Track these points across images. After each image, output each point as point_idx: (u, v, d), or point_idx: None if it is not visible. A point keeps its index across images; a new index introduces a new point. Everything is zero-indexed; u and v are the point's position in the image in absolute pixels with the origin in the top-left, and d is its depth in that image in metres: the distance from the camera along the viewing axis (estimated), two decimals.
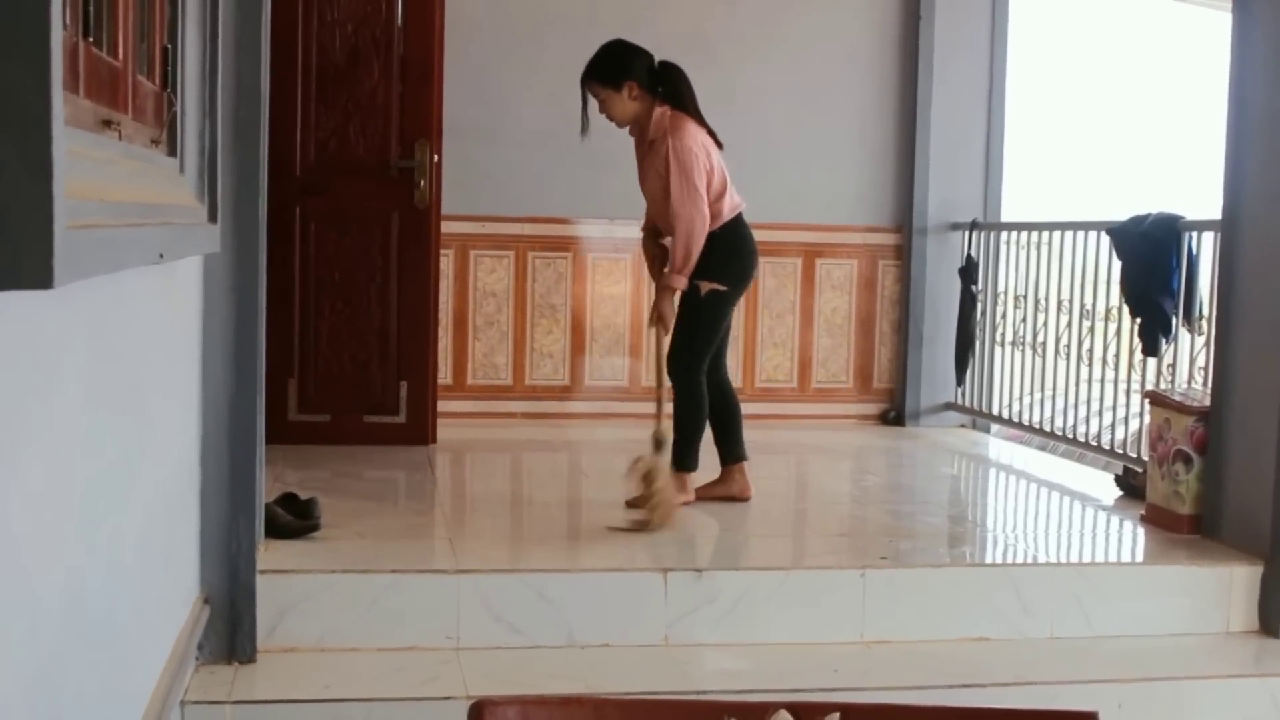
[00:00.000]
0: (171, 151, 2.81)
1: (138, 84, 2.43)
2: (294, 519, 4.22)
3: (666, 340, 4.88)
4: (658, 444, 4.74)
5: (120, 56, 2.25)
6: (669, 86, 4.82)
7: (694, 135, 4.74)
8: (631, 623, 3.93)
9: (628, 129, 4.92)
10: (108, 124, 2.14)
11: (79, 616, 2.15)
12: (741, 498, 4.98)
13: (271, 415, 4.30)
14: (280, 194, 5.26)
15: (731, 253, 4.85)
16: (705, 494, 4.95)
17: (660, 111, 4.77)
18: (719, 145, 4.87)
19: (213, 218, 3.11)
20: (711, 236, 4.76)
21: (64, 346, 2.01)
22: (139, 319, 2.70)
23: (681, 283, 4.75)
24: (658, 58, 4.84)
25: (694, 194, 4.68)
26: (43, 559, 1.93)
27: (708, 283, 4.79)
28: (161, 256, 2.31)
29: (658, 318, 4.84)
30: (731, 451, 5.01)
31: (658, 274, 4.93)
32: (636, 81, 4.77)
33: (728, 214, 4.82)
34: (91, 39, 2.00)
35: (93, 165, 1.91)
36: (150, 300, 2.84)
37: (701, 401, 4.87)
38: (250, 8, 3.62)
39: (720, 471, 5.01)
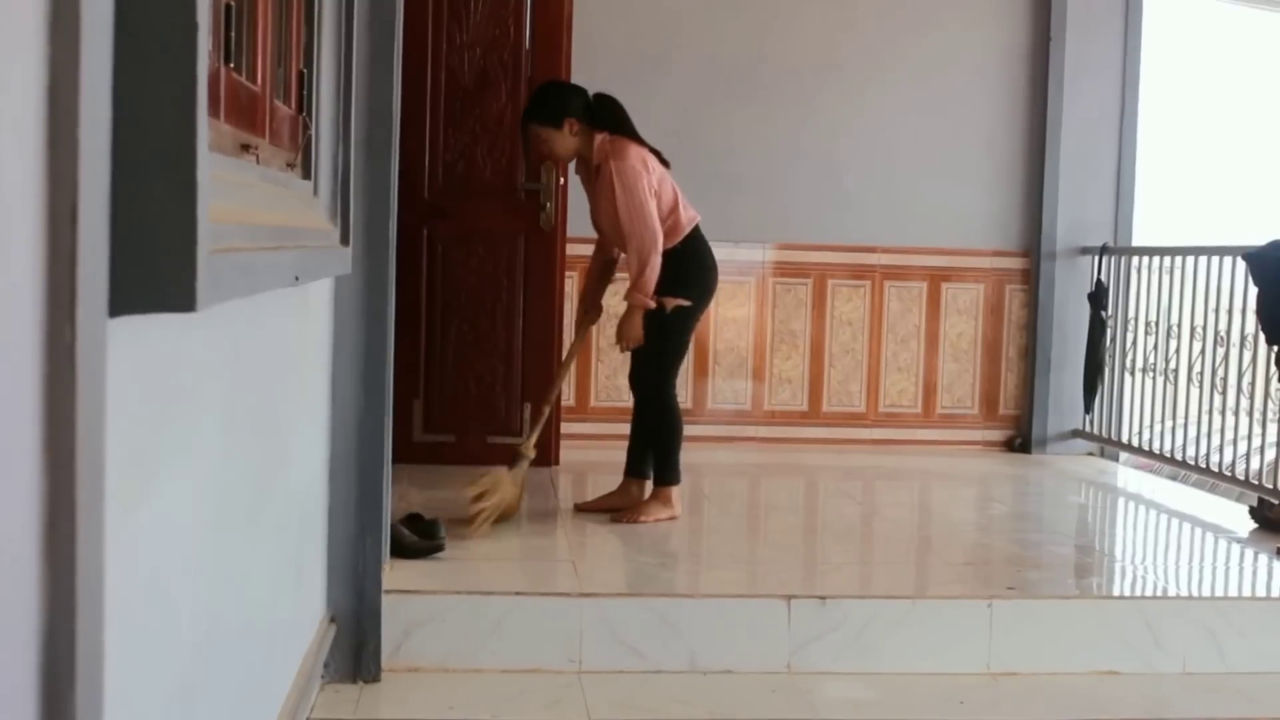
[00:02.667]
0: (306, 175, 2.84)
1: (275, 108, 2.46)
2: (419, 539, 4.25)
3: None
4: (515, 459, 4.92)
5: (259, 81, 2.29)
6: (606, 115, 4.90)
7: (634, 154, 4.81)
8: (754, 649, 3.91)
9: (574, 165, 5.04)
10: (246, 148, 2.17)
11: (213, 636, 2.18)
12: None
13: (396, 435, 4.34)
14: (408, 216, 5.32)
15: (692, 266, 4.92)
16: (598, 505, 5.07)
17: (601, 139, 4.87)
18: (665, 164, 4.94)
19: (345, 240, 3.15)
20: (671, 252, 4.84)
21: (204, 368, 2.04)
22: (273, 341, 2.74)
23: (644, 300, 4.80)
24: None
25: (641, 210, 4.75)
26: (180, 579, 1.95)
27: (671, 299, 4.86)
28: (297, 279, 2.34)
29: (625, 337, 4.90)
30: (638, 468, 5.08)
31: (590, 296, 5.20)
32: (575, 117, 4.87)
33: (685, 227, 4.90)
34: (232, 64, 2.03)
35: (233, 189, 1.94)
36: (284, 322, 2.87)
37: (675, 416, 4.98)
38: (383, 32, 3.67)
39: (620, 483, 5.11)
